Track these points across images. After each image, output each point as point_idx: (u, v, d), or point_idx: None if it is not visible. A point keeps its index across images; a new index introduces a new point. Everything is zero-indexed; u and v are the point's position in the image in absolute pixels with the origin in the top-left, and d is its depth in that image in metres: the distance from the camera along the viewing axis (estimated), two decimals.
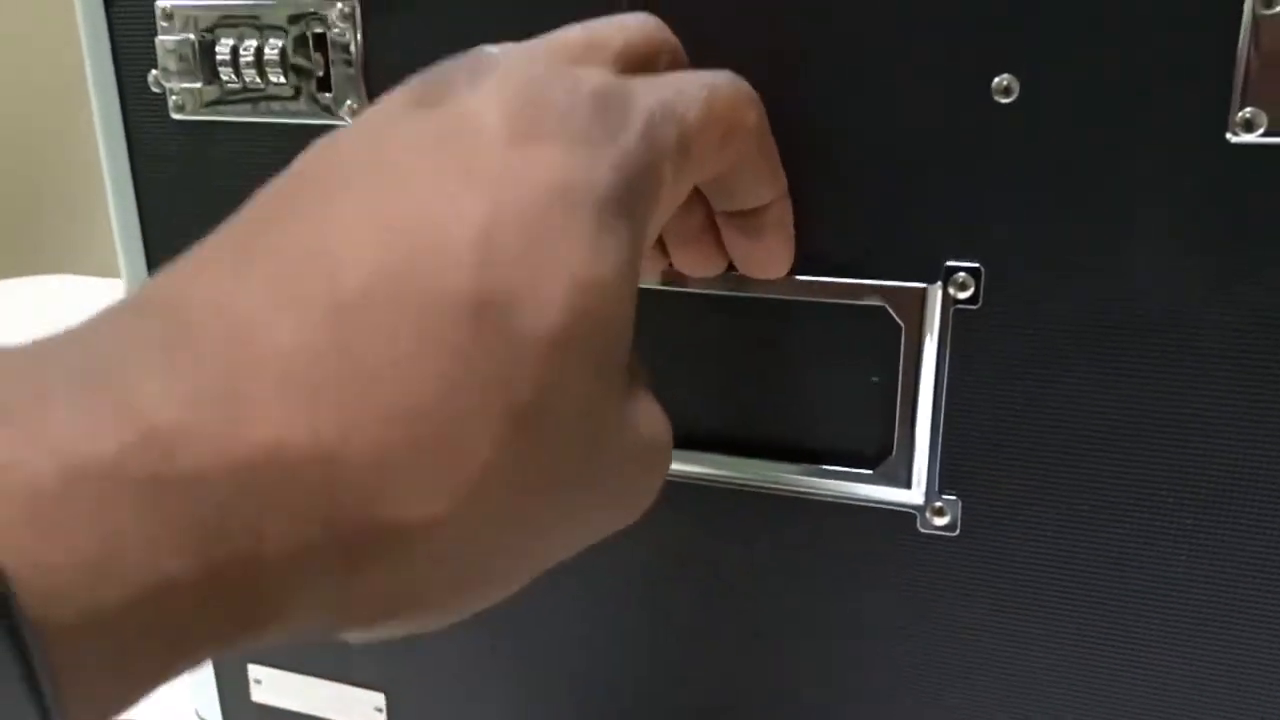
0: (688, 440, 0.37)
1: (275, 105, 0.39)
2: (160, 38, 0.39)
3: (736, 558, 0.38)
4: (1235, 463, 0.32)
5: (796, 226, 0.34)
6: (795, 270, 0.34)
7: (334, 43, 0.37)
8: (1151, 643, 0.34)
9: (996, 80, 0.31)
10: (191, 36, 0.38)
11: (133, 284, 0.43)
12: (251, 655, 0.47)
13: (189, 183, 0.41)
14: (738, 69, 0.31)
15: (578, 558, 0.41)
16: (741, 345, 0.36)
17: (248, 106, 0.39)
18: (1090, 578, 0.34)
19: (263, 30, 0.38)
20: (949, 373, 0.34)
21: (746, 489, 0.37)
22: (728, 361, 0.36)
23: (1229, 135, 0.29)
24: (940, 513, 0.35)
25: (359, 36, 0.37)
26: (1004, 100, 0.31)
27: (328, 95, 0.38)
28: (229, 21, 0.38)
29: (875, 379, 0.35)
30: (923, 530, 0.36)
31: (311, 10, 0.37)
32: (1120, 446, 0.33)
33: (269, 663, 0.47)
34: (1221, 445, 0.32)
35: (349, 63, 0.37)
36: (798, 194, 0.34)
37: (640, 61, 0.28)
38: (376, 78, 0.37)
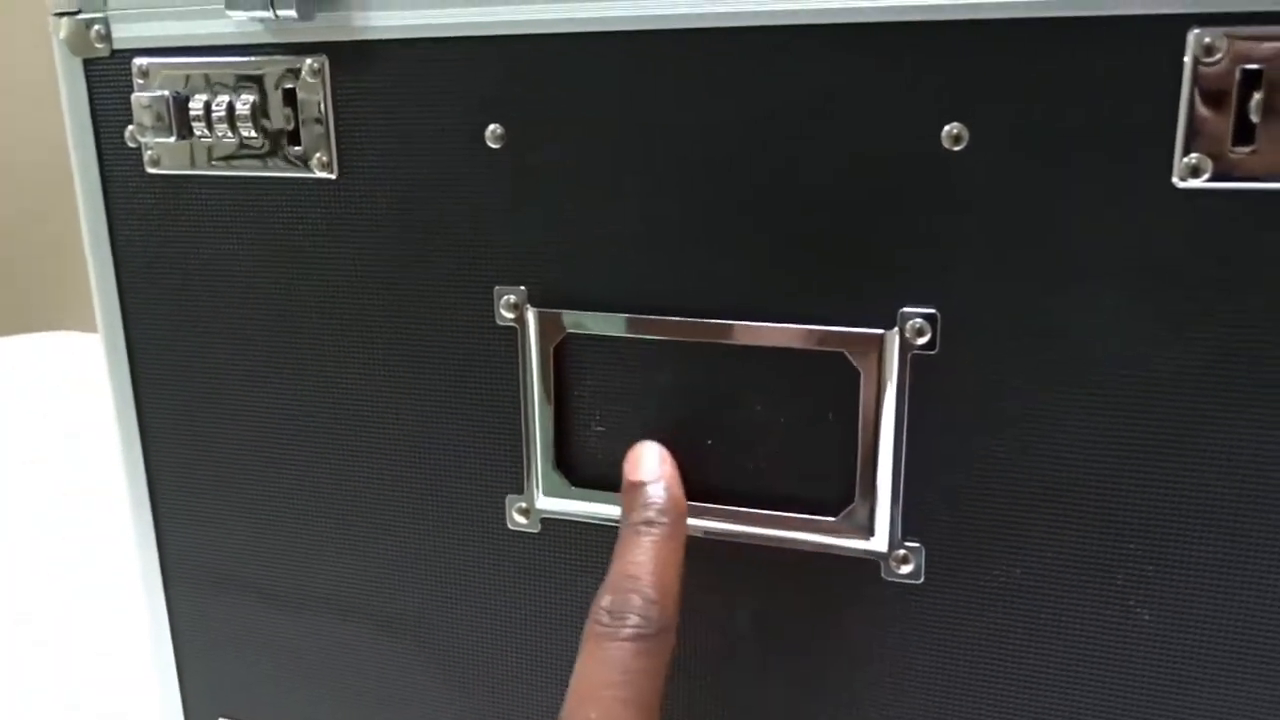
0: None
1: (247, 159, 0.39)
2: (136, 94, 0.40)
3: (699, 606, 0.38)
4: (1197, 506, 0.32)
5: (758, 276, 0.34)
6: (755, 317, 0.35)
7: (304, 98, 0.38)
8: (1122, 690, 0.34)
9: (947, 129, 0.31)
10: (166, 93, 0.39)
11: (109, 332, 0.44)
12: (223, 708, 0.47)
13: (163, 234, 0.42)
14: (693, 123, 0.31)
15: (547, 613, 0.41)
16: (699, 393, 0.36)
17: (220, 160, 0.40)
18: (1057, 626, 0.34)
19: (235, 87, 0.39)
20: (908, 418, 0.34)
21: (707, 537, 0.37)
22: (685, 410, 0.36)
23: (1175, 181, 0.30)
24: (904, 560, 0.35)
25: (328, 92, 0.38)
26: (955, 148, 0.32)
27: (298, 149, 0.39)
28: (203, 78, 0.39)
29: (831, 415, 0.35)
30: (886, 579, 0.35)
31: (282, 67, 0.38)
32: (1082, 490, 0.33)
33: (240, 716, 0.47)
34: (1183, 488, 0.32)
35: (319, 118, 0.38)
36: (755, 244, 0.34)
37: None
38: (345, 132, 0.38)
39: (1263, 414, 0.30)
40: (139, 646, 0.67)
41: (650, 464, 0.35)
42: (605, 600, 0.32)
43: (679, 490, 0.35)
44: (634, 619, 0.32)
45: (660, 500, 0.34)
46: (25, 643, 0.70)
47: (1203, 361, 0.31)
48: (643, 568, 0.33)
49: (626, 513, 0.35)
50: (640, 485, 0.35)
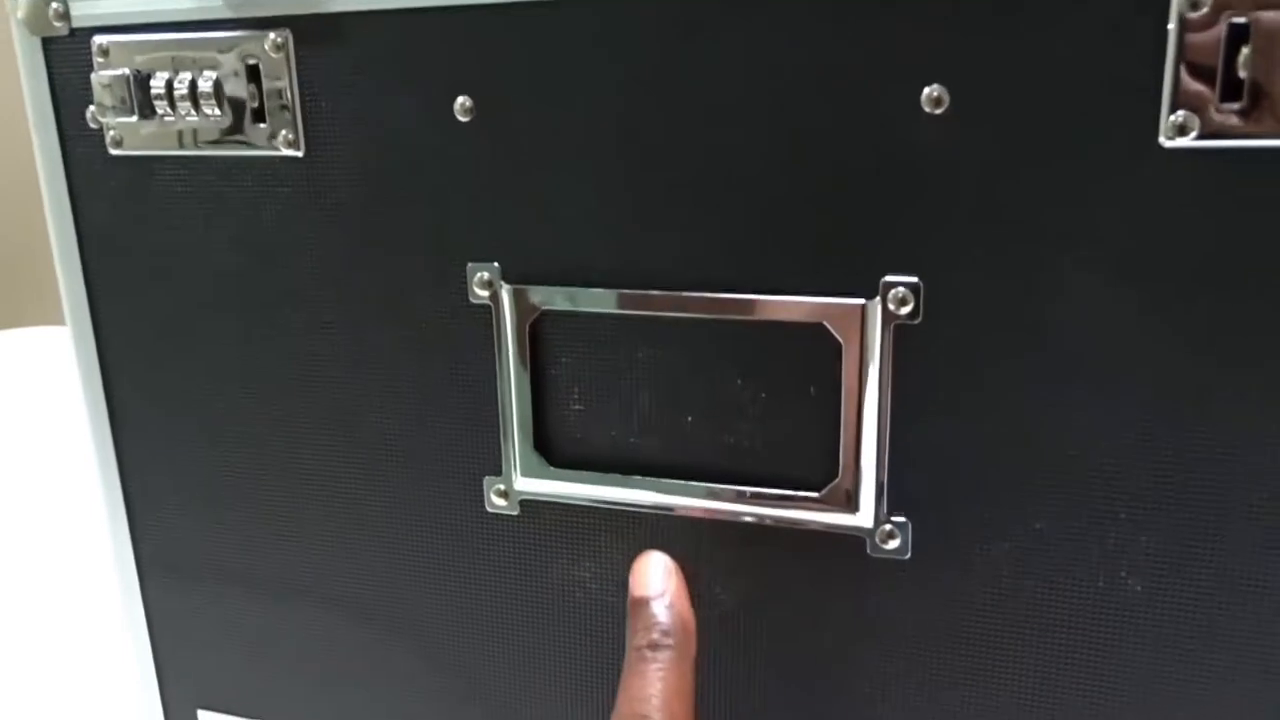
0: (629, 467, 0.36)
1: (212, 139, 0.38)
2: (96, 73, 0.39)
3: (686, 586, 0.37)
4: (1186, 477, 0.31)
5: (736, 247, 0.33)
6: (733, 290, 0.34)
7: (267, 74, 0.37)
8: (1113, 662, 0.33)
9: (927, 91, 0.31)
10: (126, 71, 0.38)
11: (76, 318, 0.43)
12: (202, 700, 0.46)
13: (128, 217, 0.41)
14: (676, 84, 0.30)
15: (528, 596, 0.40)
16: (680, 369, 0.35)
17: (184, 140, 0.39)
18: (1045, 598, 0.33)
19: (197, 64, 0.38)
20: (892, 390, 0.33)
21: (693, 517, 0.36)
22: (667, 387, 0.35)
23: (1161, 140, 0.29)
24: (890, 536, 0.34)
25: (292, 67, 0.37)
26: (935, 111, 0.31)
27: (263, 127, 0.38)
28: (164, 56, 0.38)
29: (813, 389, 0.34)
30: (873, 555, 0.34)
31: (244, 43, 0.37)
32: (1071, 463, 0.32)
33: (220, 708, 0.46)
34: (1172, 456, 0.31)
35: (283, 94, 0.37)
36: (733, 214, 0.33)
37: None
38: (311, 108, 0.37)
39: (1253, 381, 0.30)
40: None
41: (654, 578, 0.34)
42: None
43: (685, 605, 0.33)
44: None
45: (665, 621, 0.32)
46: (23, 630, 0.70)
47: (1192, 327, 0.30)
48: (650, 704, 0.31)
49: (631, 633, 0.33)
50: (644, 602, 0.33)
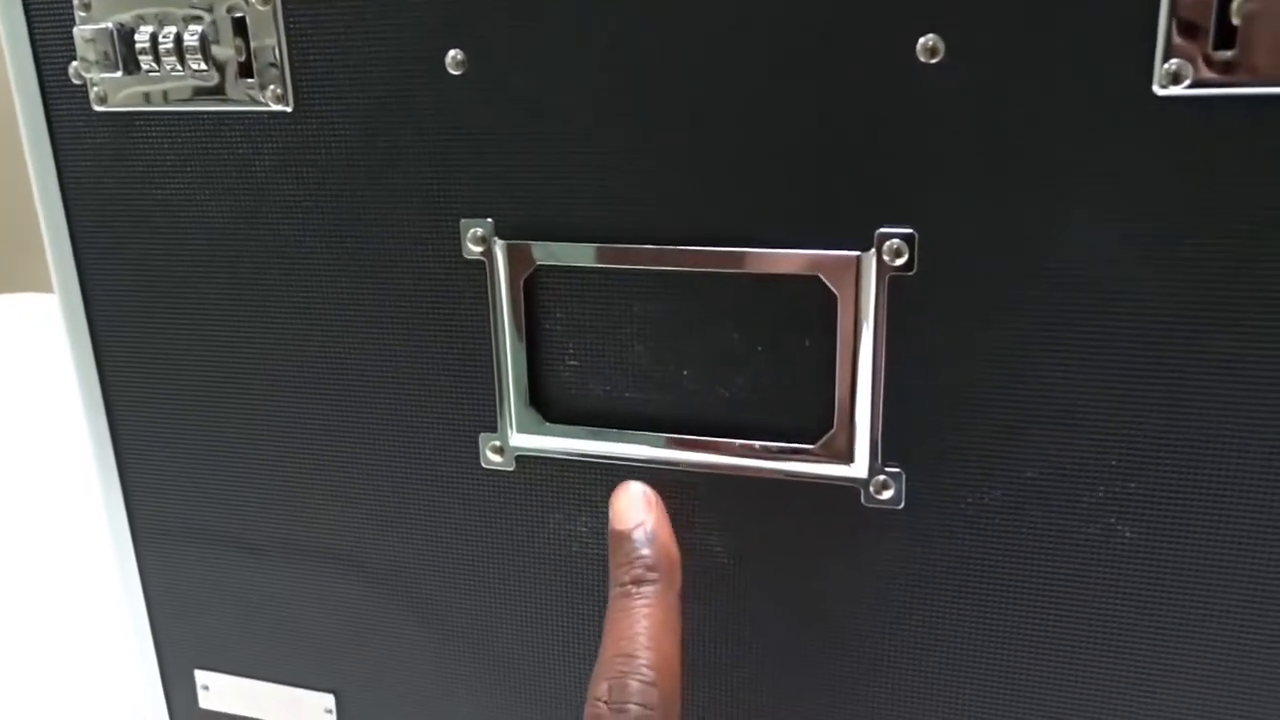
0: (624, 422, 0.37)
1: (198, 94, 0.38)
2: (78, 28, 0.38)
3: (682, 541, 0.37)
4: (1178, 424, 0.31)
5: (731, 200, 0.33)
6: (728, 243, 0.34)
7: (254, 27, 0.36)
8: (1103, 607, 0.34)
9: (922, 41, 0.30)
10: (110, 25, 0.37)
11: (63, 279, 0.42)
12: (198, 661, 0.46)
13: (114, 176, 0.40)
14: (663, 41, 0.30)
15: (524, 552, 0.40)
16: (674, 323, 0.35)
17: (170, 96, 0.38)
18: (1038, 547, 0.34)
19: (183, 17, 0.37)
20: (886, 342, 0.33)
21: (688, 471, 0.36)
22: (662, 341, 0.36)
23: (1155, 88, 0.29)
24: (884, 486, 0.34)
25: (280, 19, 0.36)
26: (930, 61, 0.31)
27: (250, 81, 0.37)
28: (148, 9, 0.37)
29: (808, 342, 0.34)
30: (867, 505, 0.35)
31: None
32: (1063, 411, 0.32)
33: (216, 668, 0.46)
34: (1163, 405, 0.31)
35: (271, 47, 0.36)
36: (726, 166, 0.33)
37: None
38: (300, 61, 0.36)
39: (1244, 326, 0.30)
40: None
41: (633, 510, 0.32)
42: (602, 689, 0.30)
43: (667, 535, 0.32)
44: (634, 709, 0.29)
45: (647, 554, 0.31)
46: (18, 597, 0.70)
47: (1185, 274, 0.30)
48: (637, 643, 0.30)
49: (613, 568, 0.32)
50: (624, 535, 0.32)
